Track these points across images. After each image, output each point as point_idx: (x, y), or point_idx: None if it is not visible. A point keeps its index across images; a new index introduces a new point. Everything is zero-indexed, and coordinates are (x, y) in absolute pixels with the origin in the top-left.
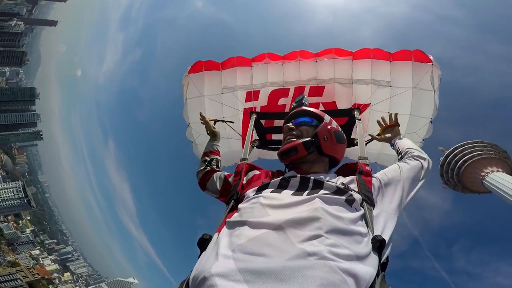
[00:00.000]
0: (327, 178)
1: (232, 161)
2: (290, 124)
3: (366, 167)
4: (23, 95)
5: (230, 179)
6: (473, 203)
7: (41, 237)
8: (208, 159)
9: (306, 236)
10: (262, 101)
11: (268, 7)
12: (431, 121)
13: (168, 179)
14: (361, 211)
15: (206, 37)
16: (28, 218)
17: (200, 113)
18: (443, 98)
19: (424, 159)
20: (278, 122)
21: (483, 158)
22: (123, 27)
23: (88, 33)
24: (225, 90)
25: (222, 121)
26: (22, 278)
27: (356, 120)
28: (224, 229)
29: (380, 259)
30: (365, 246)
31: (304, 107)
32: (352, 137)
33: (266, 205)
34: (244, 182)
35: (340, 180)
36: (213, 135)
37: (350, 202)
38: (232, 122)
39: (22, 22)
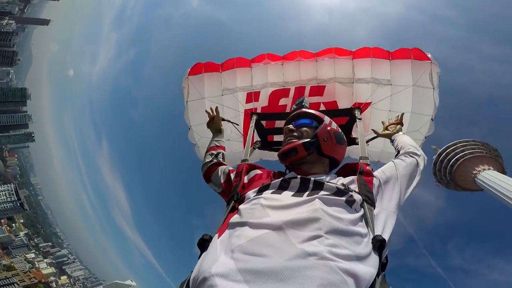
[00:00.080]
0: (327, 179)
1: (233, 163)
2: (290, 126)
3: (367, 167)
4: (14, 96)
5: (232, 175)
6: (466, 201)
7: (35, 240)
8: (214, 152)
9: (306, 237)
10: (262, 102)
11: (264, 6)
12: (432, 119)
13: (163, 179)
14: (361, 212)
15: (201, 36)
16: (21, 221)
17: (216, 108)
18: None
19: (419, 155)
20: (280, 123)
21: (474, 157)
22: (117, 26)
23: (81, 32)
24: (225, 92)
25: (229, 121)
26: (19, 282)
27: (357, 120)
28: (224, 230)
29: (380, 259)
30: (365, 246)
31: (304, 109)
32: (353, 136)
33: (267, 206)
34: (246, 181)
35: (340, 181)
36: (219, 132)
37: (350, 203)
38: (237, 124)
39: (14, 21)
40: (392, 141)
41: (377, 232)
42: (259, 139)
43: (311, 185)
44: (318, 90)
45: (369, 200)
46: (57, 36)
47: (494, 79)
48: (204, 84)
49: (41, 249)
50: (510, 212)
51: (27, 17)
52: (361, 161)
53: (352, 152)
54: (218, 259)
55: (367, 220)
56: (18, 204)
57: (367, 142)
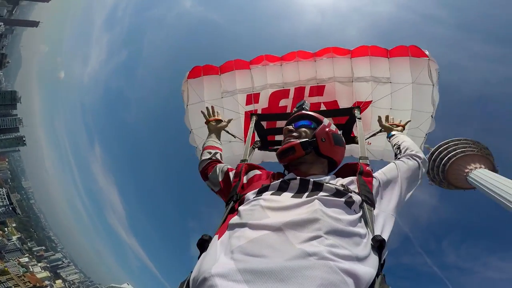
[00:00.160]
0: (326, 180)
1: (235, 165)
2: (289, 127)
3: (367, 167)
4: (3, 99)
5: (231, 174)
6: (459, 199)
7: (28, 244)
8: (212, 151)
9: (306, 237)
10: (263, 103)
11: (258, 6)
12: (432, 116)
13: (157, 181)
14: (360, 213)
15: (194, 37)
16: (14, 225)
17: (216, 111)
18: None
19: (421, 158)
20: (280, 124)
21: (466, 155)
22: (108, 27)
23: (72, 33)
24: (225, 94)
25: (227, 132)
26: (13, 287)
27: (357, 119)
28: (224, 231)
29: (380, 260)
30: (365, 246)
31: (303, 111)
32: (354, 135)
33: (266, 207)
34: (245, 181)
35: (339, 182)
36: (218, 135)
37: (349, 204)
38: (234, 137)
39: (2, 23)
40: (389, 136)
41: (376, 233)
42: (258, 140)
43: (310, 186)
44: (318, 90)
45: (369, 201)
46: (47, 37)
47: (484, 78)
48: (204, 87)
49: (35, 253)
50: (501, 210)
51: (16, 19)
52: (360, 161)
53: (355, 152)
54: (218, 259)
55: (366, 220)
56: (10, 208)
57: (368, 138)
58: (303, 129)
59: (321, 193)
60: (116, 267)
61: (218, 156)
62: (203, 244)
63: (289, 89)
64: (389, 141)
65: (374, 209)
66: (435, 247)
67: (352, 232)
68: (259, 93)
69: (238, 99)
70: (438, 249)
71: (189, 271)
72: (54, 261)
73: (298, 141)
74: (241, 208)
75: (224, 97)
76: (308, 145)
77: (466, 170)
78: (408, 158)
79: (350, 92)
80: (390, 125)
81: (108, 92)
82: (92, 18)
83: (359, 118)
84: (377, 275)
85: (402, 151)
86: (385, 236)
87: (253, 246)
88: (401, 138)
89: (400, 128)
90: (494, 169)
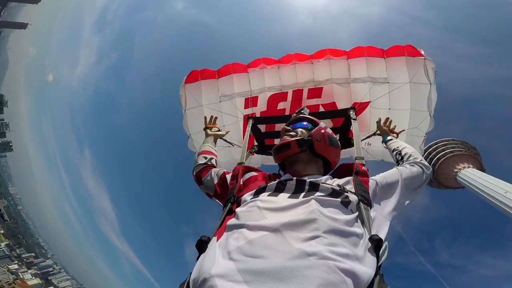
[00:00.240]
0: (322, 180)
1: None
2: (287, 127)
3: (363, 167)
4: None
5: (228, 177)
6: (449, 198)
7: (17, 251)
8: (208, 156)
9: (304, 237)
10: (261, 107)
11: (250, 9)
12: (430, 114)
13: (149, 186)
14: (357, 213)
15: (186, 40)
16: (2, 232)
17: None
18: None
19: (426, 166)
20: (279, 127)
21: (455, 155)
22: (98, 30)
23: (61, 36)
24: (223, 98)
25: (225, 140)
26: None
27: (352, 120)
28: (222, 232)
29: (377, 259)
30: (362, 246)
31: (301, 115)
32: (352, 136)
33: (264, 208)
34: (241, 183)
35: (336, 182)
36: (215, 141)
37: (346, 204)
38: (233, 145)
39: None
40: (385, 141)
41: (373, 233)
42: (256, 144)
43: (306, 187)
44: (316, 92)
45: (365, 200)
46: (35, 40)
47: (470, 79)
48: (202, 91)
49: (24, 259)
50: (490, 208)
51: (3, 20)
52: (356, 161)
53: (354, 153)
54: (217, 260)
55: (363, 220)
56: None
57: (364, 139)
58: (300, 129)
59: (318, 193)
60: (110, 273)
61: (213, 161)
62: (201, 245)
63: (287, 92)
64: (385, 146)
65: (370, 209)
66: (428, 246)
67: (350, 232)
68: (257, 96)
69: (236, 103)
70: (431, 248)
71: (184, 276)
72: (45, 268)
73: (294, 138)
74: (238, 209)
75: (222, 101)
76: (303, 143)
77: (455, 170)
78: (412, 165)
79: (348, 93)
80: (389, 130)
81: (98, 96)
82: (82, 20)
83: (354, 119)
84: (375, 275)
85: (405, 157)
86: (381, 237)
87: (252, 247)
88: (400, 143)
89: (394, 135)
90: (481, 168)
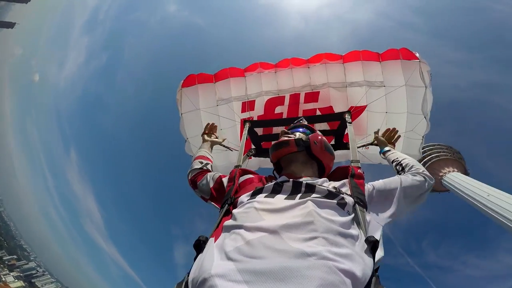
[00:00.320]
0: (319, 182)
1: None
2: (286, 130)
3: (358, 170)
4: None
5: (224, 180)
6: (434, 201)
7: None
8: (204, 161)
9: (303, 238)
10: (258, 111)
11: (243, 12)
12: (426, 117)
13: (137, 189)
14: (353, 214)
15: (178, 42)
16: None
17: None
18: None
19: (430, 177)
20: (276, 130)
21: (440, 160)
22: (88, 30)
23: (49, 35)
24: (220, 102)
25: (223, 145)
26: None
27: (347, 124)
28: (220, 233)
29: (374, 260)
30: (359, 247)
31: (299, 122)
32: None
33: (261, 209)
34: (238, 185)
35: (332, 185)
36: (211, 147)
37: (342, 206)
38: (231, 150)
39: None
40: (383, 152)
41: (369, 234)
42: (253, 147)
43: (303, 188)
44: (312, 96)
45: (361, 202)
46: (22, 39)
47: (454, 83)
48: (199, 95)
49: (6, 262)
50: (474, 211)
51: None
52: (352, 164)
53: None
54: (217, 260)
55: (359, 222)
56: None
57: (360, 147)
58: (298, 133)
59: (314, 195)
60: (97, 276)
61: (209, 167)
62: (199, 246)
63: (284, 96)
64: (382, 157)
65: (366, 211)
66: (415, 247)
67: (347, 233)
68: (255, 100)
69: (234, 107)
70: (418, 250)
71: (173, 278)
72: (28, 270)
73: (293, 137)
74: (235, 211)
75: (219, 105)
76: (301, 143)
77: (441, 174)
78: (414, 175)
79: (345, 97)
80: (390, 141)
81: (86, 96)
82: (72, 21)
83: (350, 123)
84: (372, 276)
85: (406, 168)
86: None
87: (250, 248)
88: (400, 154)
89: (392, 146)
90: (465, 172)
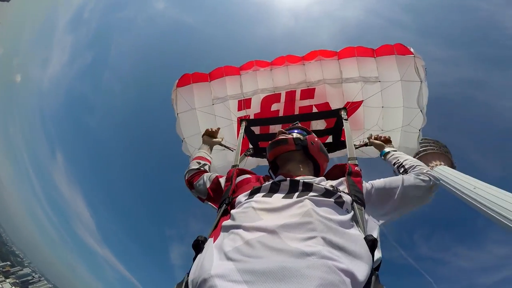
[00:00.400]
0: (316, 181)
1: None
2: (283, 129)
3: (355, 168)
4: None
5: (221, 180)
6: None
7: None
8: (202, 162)
9: (302, 238)
10: (255, 109)
11: (233, 10)
12: (422, 111)
13: (128, 190)
14: (352, 213)
15: (167, 40)
16: None
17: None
18: None
19: (434, 177)
20: (273, 128)
21: (427, 154)
22: (72, 29)
23: (32, 34)
24: (215, 101)
25: (223, 145)
26: None
27: (343, 121)
28: (218, 233)
29: (373, 259)
30: (359, 246)
31: (296, 124)
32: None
33: (259, 209)
34: (235, 185)
35: (329, 183)
36: (210, 148)
37: (340, 204)
38: (232, 150)
39: None
40: (383, 155)
41: (368, 233)
42: (251, 147)
43: (300, 187)
44: (308, 93)
45: (359, 200)
46: (3, 38)
47: (441, 80)
48: (194, 94)
49: (0, 269)
50: (461, 203)
51: None
52: (349, 162)
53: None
54: (216, 260)
55: (357, 220)
56: None
57: (357, 148)
58: (295, 133)
59: (311, 193)
60: (93, 279)
61: (206, 167)
62: (198, 246)
63: (280, 93)
64: (383, 159)
65: (364, 209)
66: (408, 240)
67: (345, 232)
68: (251, 98)
69: (230, 106)
70: (410, 242)
71: (172, 278)
72: (23, 277)
73: (291, 136)
74: (233, 211)
75: (215, 103)
76: (299, 142)
77: (428, 167)
78: (418, 175)
79: (341, 93)
80: (383, 140)
81: (71, 97)
82: (56, 19)
83: (346, 119)
84: (371, 275)
85: (410, 169)
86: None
87: (249, 248)
88: (401, 156)
89: (390, 145)
90: (452, 166)
